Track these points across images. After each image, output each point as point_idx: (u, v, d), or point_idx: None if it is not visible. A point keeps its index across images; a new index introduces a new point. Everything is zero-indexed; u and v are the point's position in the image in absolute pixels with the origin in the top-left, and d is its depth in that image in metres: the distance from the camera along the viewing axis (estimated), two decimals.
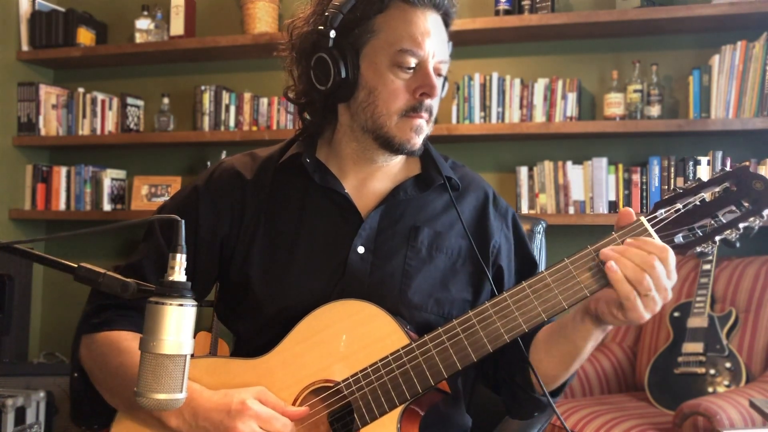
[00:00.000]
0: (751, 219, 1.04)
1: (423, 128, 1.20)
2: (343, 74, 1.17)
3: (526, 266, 1.32)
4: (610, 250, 1.04)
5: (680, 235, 1.05)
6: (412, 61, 1.17)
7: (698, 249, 1.05)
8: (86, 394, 1.19)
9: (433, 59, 1.18)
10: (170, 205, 1.28)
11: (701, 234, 1.05)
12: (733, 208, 1.05)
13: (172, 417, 1.07)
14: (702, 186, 1.07)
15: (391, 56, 1.16)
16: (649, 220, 1.06)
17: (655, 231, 1.05)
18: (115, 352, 1.14)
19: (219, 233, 1.23)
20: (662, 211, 1.06)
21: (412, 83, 1.17)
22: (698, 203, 1.06)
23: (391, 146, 1.19)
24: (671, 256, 1.01)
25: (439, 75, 1.20)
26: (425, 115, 1.19)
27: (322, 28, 1.17)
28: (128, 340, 1.15)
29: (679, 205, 1.06)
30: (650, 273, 1.00)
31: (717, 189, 1.07)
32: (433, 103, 1.19)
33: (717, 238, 1.05)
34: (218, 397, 1.07)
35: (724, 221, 1.05)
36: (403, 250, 1.22)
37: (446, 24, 1.23)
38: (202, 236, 1.23)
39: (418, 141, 1.20)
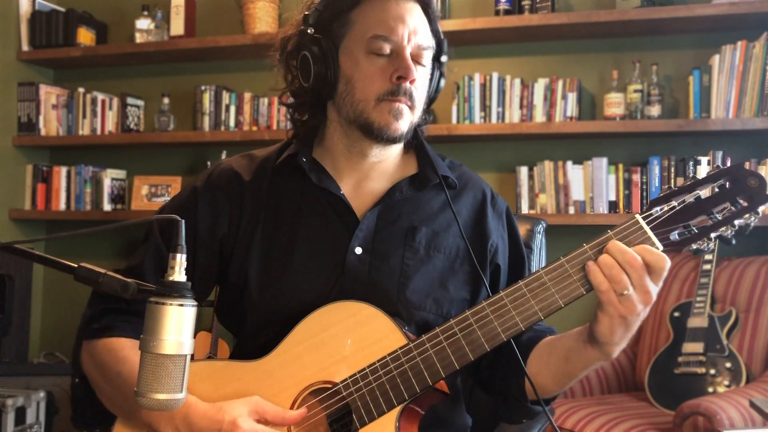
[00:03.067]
0: (747, 216, 1.04)
1: (403, 113, 1.19)
2: (324, 68, 1.20)
3: (514, 263, 1.32)
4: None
5: (675, 232, 1.05)
6: (387, 47, 1.18)
7: (694, 246, 1.05)
8: (87, 400, 1.19)
9: (409, 44, 1.18)
10: (170, 207, 1.28)
11: (697, 231, 1.05)
12: (729, 205, 1.05)
13: (168, 430, 1.07)
14: (697, 183, 1.07)
15: (366, 44, 1.18)
16: (644, 218, 1.06)
17: (651, 228, 1.05)
18: (114, 361, 1.14)
19: (217, 234, 1.24)
20: (658, 208, 1.06)
21: (388, 68, 1.18)
22: (693, 200, 1.06)
23: (372, 132, 1.19)
24: (657, 260, 1.01)
25: (418, 62, 1.20)
26: (404, 99, 1.18)
27: (302, 28, 1.22)
28: (128, 348, 1.15)
29: (674, 203, 1.06)
30: (629, 272, 1.00)
31: (712, 186, 1.07)
32: (413, 88, 1.19)
33: (712, 235, 1.04)
34: (212, 412, 1.06)
35: (720, 218, 1.05)
36: (401, 250, 1.22)
37: (427, 14, 1.23)
38: (200, 237, 1.23)
39: (399, 126, 1.19)
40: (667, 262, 1.02)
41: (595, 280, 1.02)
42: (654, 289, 1.02)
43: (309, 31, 1.21)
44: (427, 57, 1.23)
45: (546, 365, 1.15)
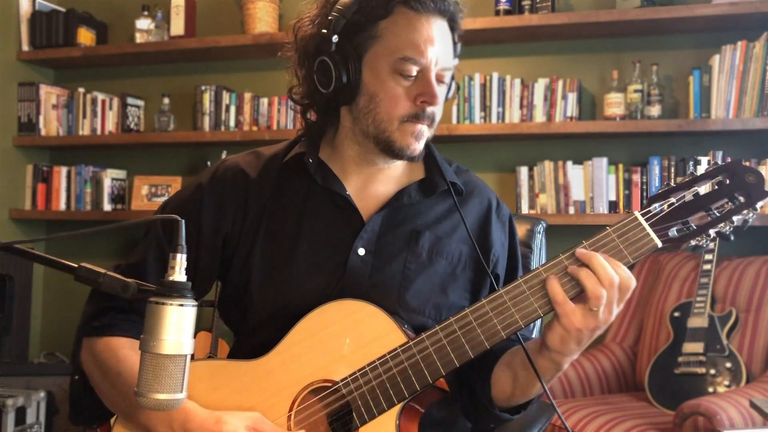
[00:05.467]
0: (745, 212, 1.05)
1: (424, 134, 1.19)
2: (345, 78, 1.17)
3: (508, 270, 1.32)
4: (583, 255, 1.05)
5: (674, 228, 1.06)
6: (414, 69, 1.16)
7: (692, 242, 1.06)
8: (86, 397, 1.19)
9: (435, 67, 1.16)
10: (173, 202, 1.27)
11: (695, 227, 1.05)
12: (727, 201, 1.06)
13: None
14: (696, 180, 1.07)
15: (393, 63, 1.15)
16: (643, 215, 1.06)
17: (649, 225, 1.05)
18: (115, 361, 1.14)
19: (221, 232, 1.23)
20: (656, 205, 1.07)
21: (413, 90, 1.16)
22: (692, 197, 1.07)
23: (392, 151, 1.19)
24: (627, 279, 1.03)
25: (441, 81, 1.19)
26: (426, 122, 1.18)
27: (325, 31, 1.17)
28: (127, 348, 1.15)
29: (673, 199, 1.07)
30: (608, 291, 1.01)
31: (711, 183, 1.07)
32: (436, 110, 1.19)
33: (711, 232, 1.05)
34: (210, 422, 1.05)
35: (718, 214, 1.05)
36: (404, 253, 1.22)
37: (452, 29, 1.21)
38: (204, 234, 1.23)
39: (418, 147, 1.19)
40: (633, 283, 1.03)
41: (551, 292, 1.04)
42: (616, 311, 1.04)
43: (333, 39, 1.16)
44: (449, 75, 1.21)
45: (507, 371, 1.16)
